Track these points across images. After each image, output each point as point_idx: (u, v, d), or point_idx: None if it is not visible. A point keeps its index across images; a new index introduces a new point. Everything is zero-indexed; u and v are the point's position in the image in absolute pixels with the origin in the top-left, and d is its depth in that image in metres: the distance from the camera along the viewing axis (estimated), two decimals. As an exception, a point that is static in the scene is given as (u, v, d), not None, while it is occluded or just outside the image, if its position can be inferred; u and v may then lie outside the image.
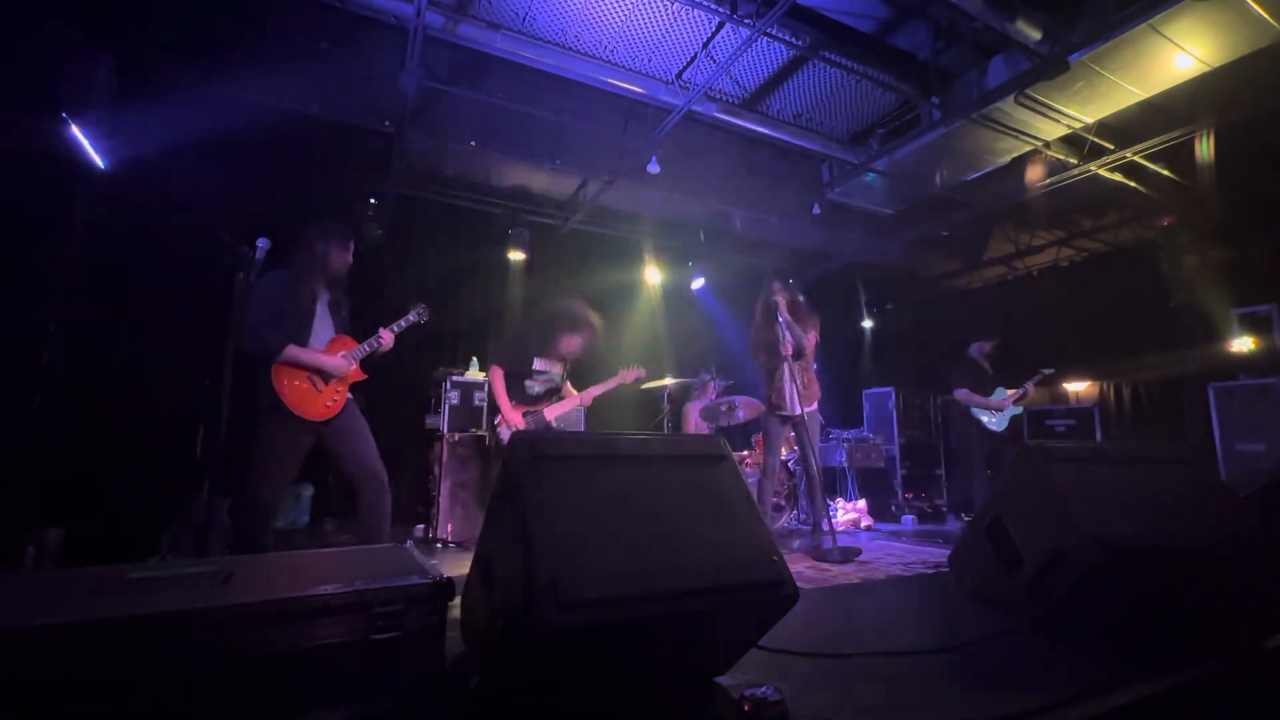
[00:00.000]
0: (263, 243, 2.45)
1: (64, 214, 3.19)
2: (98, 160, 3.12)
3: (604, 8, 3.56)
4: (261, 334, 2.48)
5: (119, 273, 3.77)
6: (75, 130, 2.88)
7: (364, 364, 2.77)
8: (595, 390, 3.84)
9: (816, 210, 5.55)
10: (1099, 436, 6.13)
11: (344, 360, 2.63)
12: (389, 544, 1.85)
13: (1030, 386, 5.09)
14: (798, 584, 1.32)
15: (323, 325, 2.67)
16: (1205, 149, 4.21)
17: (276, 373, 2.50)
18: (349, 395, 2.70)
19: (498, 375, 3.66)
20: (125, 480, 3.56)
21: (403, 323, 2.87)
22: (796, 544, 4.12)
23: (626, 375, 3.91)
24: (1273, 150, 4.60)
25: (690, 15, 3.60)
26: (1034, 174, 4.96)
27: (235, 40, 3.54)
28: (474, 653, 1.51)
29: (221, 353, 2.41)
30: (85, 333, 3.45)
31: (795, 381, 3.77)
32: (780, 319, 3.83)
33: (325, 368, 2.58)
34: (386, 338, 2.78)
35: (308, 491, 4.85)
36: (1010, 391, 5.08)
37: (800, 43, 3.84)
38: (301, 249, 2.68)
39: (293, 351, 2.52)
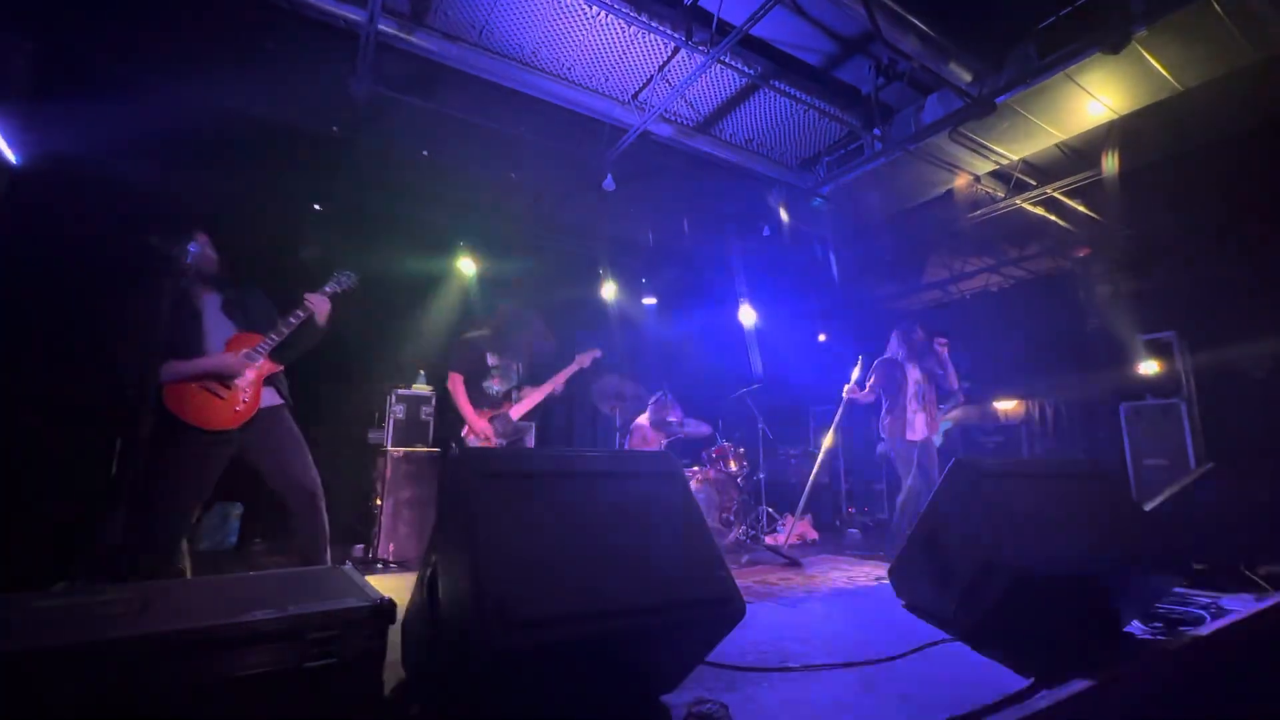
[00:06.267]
0: (194, 247, 2.33)
1: (-33, 210, 2.95)
2: (10, 155, 2.90)
3: (562, 25, 3.59)
4: (141, 358, 2.29)
5: (31, 278, 3.49)
6: (-15, 121, 2.68)
7: (285, 354, 2.54)
8: (558, 378, 3.84)
9: (766, 233, 5.73)
10: (1025, 452, 6.52)
11: (241, 359, 2.43)
12: (324, 565, 1.77)
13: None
14: (745, 599, 1.34)
15: (217, 328, 2.49)
16: (1111, 163, 4.56)
17: (166, 391, 2.32)
18: (277, 401, 2.52)
19: (458, 382, 3.59)
20: (31, 499, 3.28)
21: (326, 290, 2.63)
22: (745, 558, 4.18)
23: (584, 359, 3.92)
24: (1173, 191, 5.06)
25: (647, 39, 3.68)
26: (964, 204, 5.32)
27: (173, 34, 3.38)
28: (415, 680, 1.45)
29: (145, 363, 2.27)
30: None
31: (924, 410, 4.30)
32: (940, 354, 4.34)
33: (216, 370, 2.39)
34: (318, 306, 2.55)
35: (236, 510, 4.57)
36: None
37: (752, 71, 3.99)
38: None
39: (172, 366, 2.34)
